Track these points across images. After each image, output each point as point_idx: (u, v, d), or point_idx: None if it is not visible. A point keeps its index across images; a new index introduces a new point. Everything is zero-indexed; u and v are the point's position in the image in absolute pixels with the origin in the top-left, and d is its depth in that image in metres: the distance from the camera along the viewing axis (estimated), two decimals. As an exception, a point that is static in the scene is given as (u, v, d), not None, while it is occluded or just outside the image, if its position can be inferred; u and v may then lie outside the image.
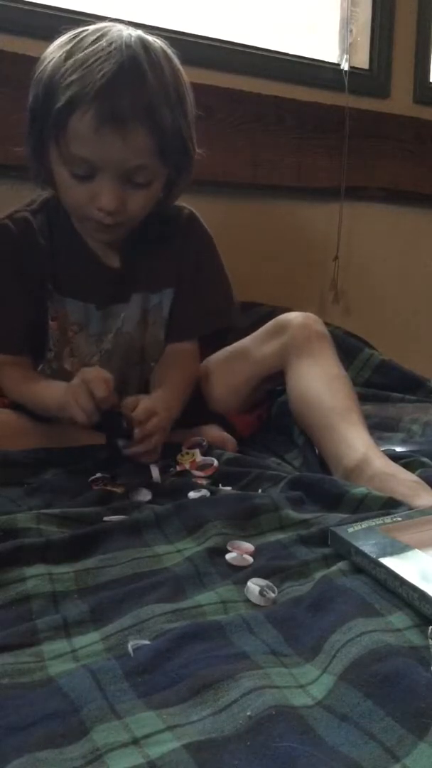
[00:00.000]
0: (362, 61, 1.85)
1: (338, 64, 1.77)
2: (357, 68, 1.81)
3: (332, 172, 1.75)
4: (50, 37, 1.35)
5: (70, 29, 0.93)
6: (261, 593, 0.59)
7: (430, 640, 0.52)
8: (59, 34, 0.93)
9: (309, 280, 1.83)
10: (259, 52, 1.67)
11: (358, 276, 1.88)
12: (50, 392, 0.95)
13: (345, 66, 1.76)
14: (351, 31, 1.81)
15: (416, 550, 0.62)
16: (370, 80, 1.84)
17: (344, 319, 1.80)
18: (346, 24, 1.80)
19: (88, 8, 1.45)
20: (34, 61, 1.31)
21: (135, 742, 0.42)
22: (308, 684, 0.48)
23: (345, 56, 1.77)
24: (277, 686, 0.47)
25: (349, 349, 1.44)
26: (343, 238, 1.82)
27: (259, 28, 1.70)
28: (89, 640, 0.54)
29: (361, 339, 1.58)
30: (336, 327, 1.51)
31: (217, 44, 1.61)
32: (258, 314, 1.50)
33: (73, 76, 0.86)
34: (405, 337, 1.95)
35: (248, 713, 0.44)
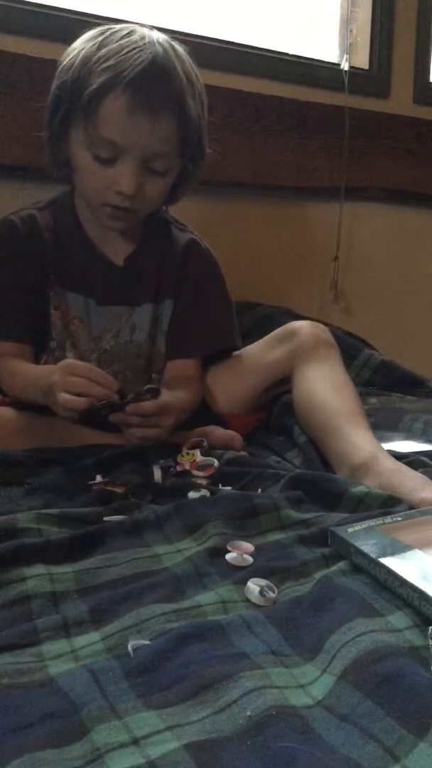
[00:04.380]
0: (362, 61, 1.84)
1: (338, 64, 1.77)
2: (357, 68, 1.81)
3: (332, 172, 1.75)
4: (52, 38, 1.36)
5: (94, 27, 0.98)
6: (261, 593, 0.59)
7: (430, 640, 0.51)
8: (82, 31, 0.99)
9: (309, 280, 1.83)
10: (259, 52, 1.67)
11: (358, 276, 1.88)
12: (36, 375, 0.96)
13: (345, 66, 1.76)
14: (351, 31, 1.81)
15: (416, 550, 0.62)
16: (370, 80, 1.84)
17: (344, 319, 1.80)
18: (346, 24, 1.80)
19: (89, 8, 1.45)
20: (33, 61, 1.32)
21: (135, 742, 0.42)
22: (308, 684, 0.48)
23: (345, 56, 1.77)
24: (277, 686, 0.47)
25: (349, 349, 1.44)
26: (343, 238, 1.82)
27: (259, 28, 1.69)
28: (89, 640, 0.54)
29: (361, 339, 1.59)
30: (336, 327, 1.51)
31: (217, 44, 1.61)
32: (258, 314, 1.51)
33: (109, 62, 0.91)
34: (405, 337, 1.95)
35: (248, 713, 0.44)
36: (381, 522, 0.69)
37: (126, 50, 0.92)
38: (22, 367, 1.02)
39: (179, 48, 0.98)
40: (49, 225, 1.08)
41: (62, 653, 0.53)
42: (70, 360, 0.93)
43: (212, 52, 1.58)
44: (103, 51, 0.93)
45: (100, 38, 0.95)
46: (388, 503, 0.77)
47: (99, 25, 0.99)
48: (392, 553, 0.61)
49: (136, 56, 0.91)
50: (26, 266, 1.06)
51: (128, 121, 0.92)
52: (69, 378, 0.86)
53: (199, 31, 1.58)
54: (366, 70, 1.85)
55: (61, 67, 0.97)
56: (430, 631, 0.52)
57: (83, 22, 1.37)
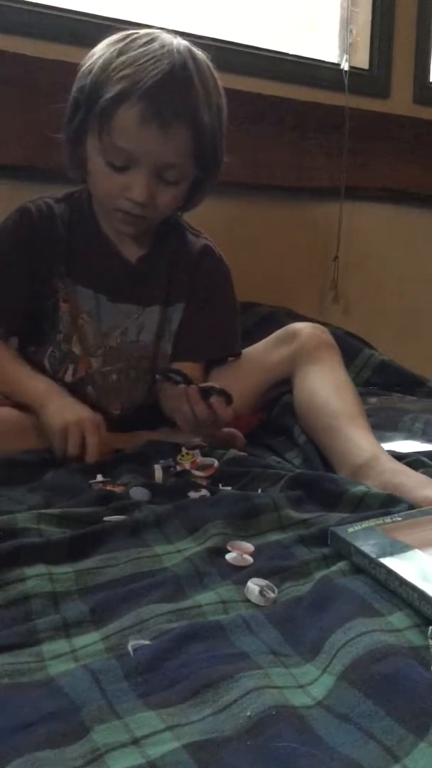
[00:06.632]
0: (362, 61, 1.85)
1: (338, 64, 1.77)
2: (357, 68, 1.81)
3: (332, 172, 1.75)
4: (52, 38, 1.35)
5: (118, 31, 0.98)
6: (261, 593, 0.59)
7: (430, 640, 0.52)
8: (104, 35, 0.98)
9: (309, 280, 1.83)
10: (259, 52, 1.67)
11: (358, 276, 1.88)
12: (33, 386, 1.00)
13: (345, 66, 1.76)
14: (351, 31, 1.81)
15: (416, 550, 0.62)
16: (370, 80, 1.84)
17: (344, 319, 1.80)
18: (346, 24, 1.80)
19: (89, 9, 1.45)
20: (33, 61, 1.32)
21: (135, 742, 0.42)
22: (308, 684, 0.48)
23: (345, 56, 1.77)
24: (277, 686, 0.47)
25: (349, 349, 1.43)
26: (343, 238, 1.82)
27: (259, 28, 1.69)
28: (89, 640, 0.54)
29: (361, 339, 1.59)
30: (336, 327, 1.51)
31: (217, 44, 1.60)
32: (258, 314, 1.51)
33: (126, 71, 0.92)
34: (405, 337, 1.95)
35: (248, 713, 0.44)
36: (381, 522, 0.69)
37: (144, 59, 0.92)
38: (12, 366, 1.04)
39: (200, 56, 0.98)
40: (64, 217, 1.09)
41: (62, 653, 0.53)
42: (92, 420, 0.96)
43: (212, 52, 1.57)
44: (122, 58, 0.93)
45: (121, 44, 0.95)
46: (388, 502, 0.77)
47: (99, 25, 0.99)
48: (392, 553, 0.61)
49: (152, 66, 0.91)
50: (34, 254, 1.06)
51: (141, 131, 0.93)
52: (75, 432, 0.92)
53: (200, 31, 1.58)
54: (366, 70, 1.85)
55: (81, 70, 0.98)
56: (430, 631, 0.52)
57: (84, 22, 1.38)
